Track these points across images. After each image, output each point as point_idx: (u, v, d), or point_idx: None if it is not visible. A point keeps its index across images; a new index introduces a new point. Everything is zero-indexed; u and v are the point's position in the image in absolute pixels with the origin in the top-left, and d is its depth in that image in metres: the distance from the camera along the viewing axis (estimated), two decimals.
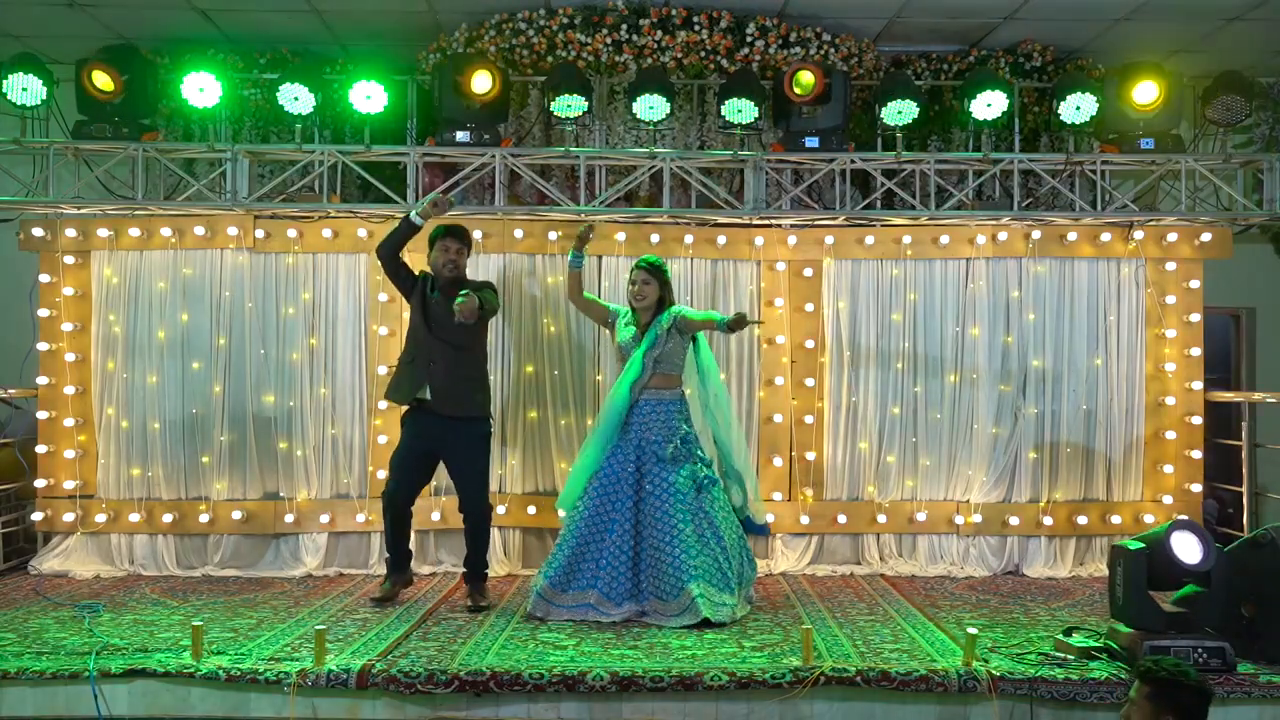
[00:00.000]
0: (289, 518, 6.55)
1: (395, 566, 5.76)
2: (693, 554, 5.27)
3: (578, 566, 5.38)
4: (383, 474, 5.98)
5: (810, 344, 6.74)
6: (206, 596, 5.87)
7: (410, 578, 5.90)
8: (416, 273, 5.71)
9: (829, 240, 6.72)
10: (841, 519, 6.67)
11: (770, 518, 6.24)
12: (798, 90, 6.30)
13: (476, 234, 6.58)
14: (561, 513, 5.75)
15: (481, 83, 6.27)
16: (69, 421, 6.57)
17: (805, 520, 6.67)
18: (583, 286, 5.81)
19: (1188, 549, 4.45)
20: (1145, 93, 6.39)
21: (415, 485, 5.72)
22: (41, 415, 6.59)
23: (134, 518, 6.53)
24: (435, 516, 6.47)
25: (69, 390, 6.57)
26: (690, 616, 5.15)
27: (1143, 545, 4.54)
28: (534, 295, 6.67)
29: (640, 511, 5.37)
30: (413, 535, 5.93)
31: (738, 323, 5.24)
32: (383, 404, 6.31)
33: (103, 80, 6.25)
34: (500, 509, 6.57)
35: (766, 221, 6.68)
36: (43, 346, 6.61)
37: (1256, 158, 6.68)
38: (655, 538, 5.31)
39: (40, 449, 6.56)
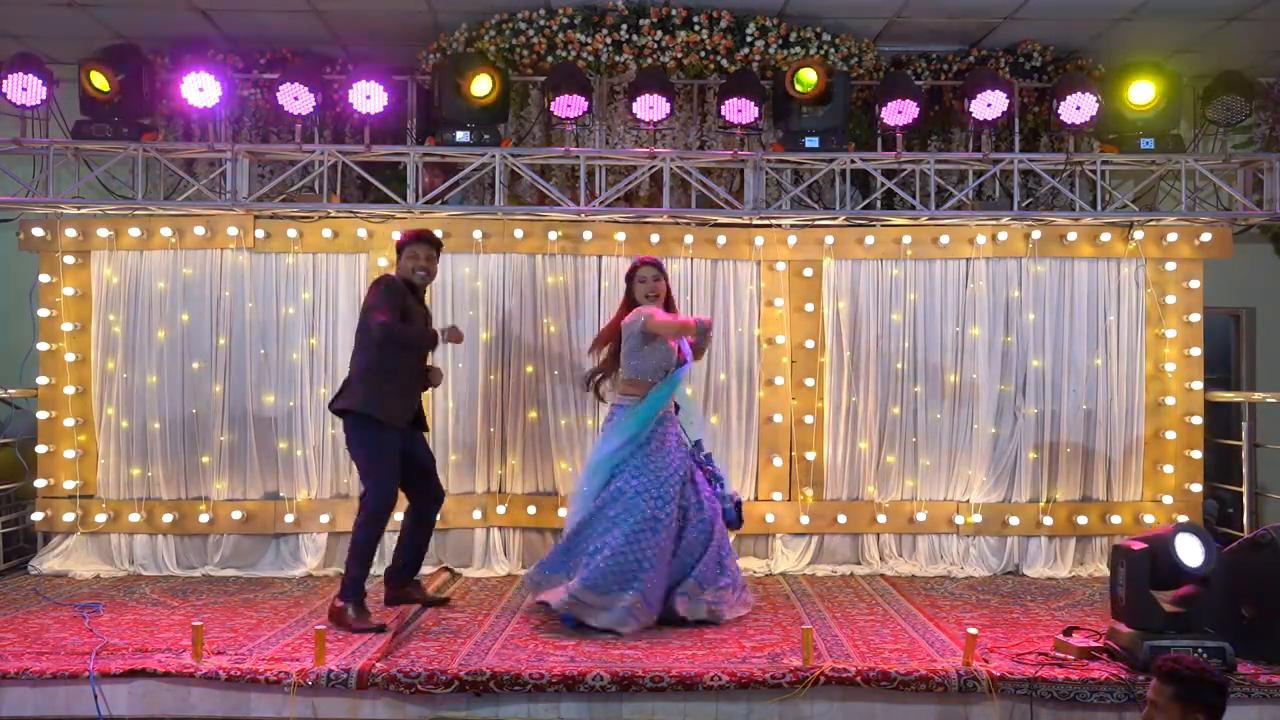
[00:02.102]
0: (289, 518, 6.55)
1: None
2: (694, 555, 5.25)
3: (625, 566, 5.08)
4: None
5: (810, 344, 6.74)
6: (206, 596, 5.87)
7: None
8: (402, 299, 5.54)
9: (829, 240, 6.73)
10: (841, 519, 6.67)
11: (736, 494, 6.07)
12: (799, 88, 6.29)
13: (476, 234, 6.61)
14: (562, 512, 5.69)
15: (481, 85, 6.27)
16: (69, 421, 6.57)
17: (805, 520, 6.67)
18: None
19: (1190, 552, 4.44)
20: (1141, 93, 6.41)
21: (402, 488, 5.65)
22: (41, 415, 6.59)
23: (134, 518, 6.53)
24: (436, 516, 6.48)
25: (69, 390, 6.57)
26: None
27: (1145, 545, 4.53)
28: (534, 295, 6.66)
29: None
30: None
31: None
32: None
33: (100, 80, 6.25)
34: (500, 509, 6.59)
35: (766, 221, 6.68)
36: (43, 346, 6.62)
37: (1256, 158, 6.68)
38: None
39: (40, 449, 6.56)
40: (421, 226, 5.97)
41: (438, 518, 5.84)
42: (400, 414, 5.39)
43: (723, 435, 6.64)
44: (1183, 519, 6.53)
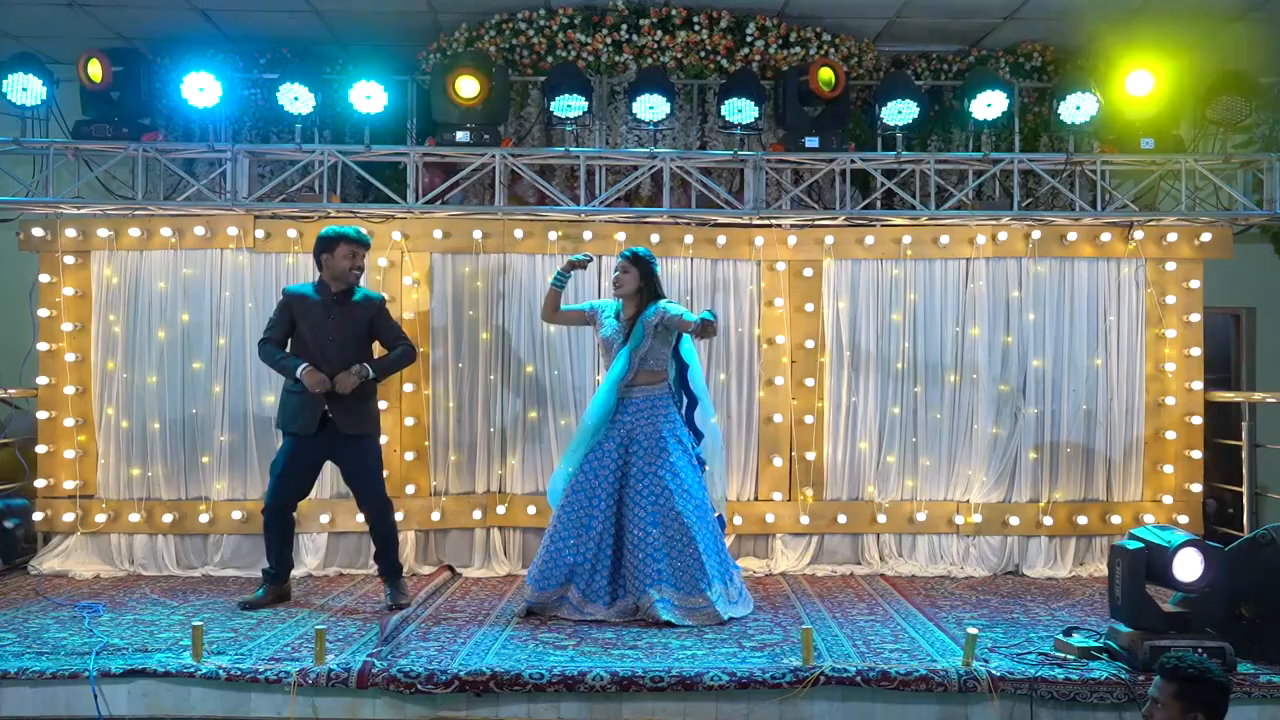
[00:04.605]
0: None
1: (276, 575, 5.63)
2: (659, 558, 5.27)
3: (557, 564, 5.37)
4: (385, 473, 5.95)
5: (810, 344, 6.74)
6: (206, 596, 5.87)
7: (288, 590, 5.69)
8: (290, 314, 5.55)
9: (829, 240, 6.73)
10: (841, 519, 6.67)
11: (737, 520, 6.18)
12: (823, 86, 6.27)
13: (476, 234, 6.61)
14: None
15: (468, 87, 6.26)
16: (69, 421, 6.57)
17: (805, 520, 6.67)
18: (558, 305, 5.67)
19: (1189, 568, 4.43)
20: (1139, 84, 6.35)
21: (298, 496, 5.64)
22: (41, 415, 6.58)
23: (134, 518, 6.53)
24: (435, 516, 6.50)
25: (69, 390, 6.56)
26: (651, 619, 5.20)
27: (1141, 546, 4.53)
28: (534, 295, 6.66)
29: (620, 510, 5.38)
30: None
31: (702, 331, 5.21)
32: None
33: (95, 70, 6.22)
34: (500, 509, 6.59)
35: (766, 221, 6.68)
36: (43, 346, 6.61)
37: (1256, 158, 6.68)
38: (629, 539, 5.34)
39: (40, 449, 6.56)
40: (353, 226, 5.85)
41: (399, 517, 5.90)
42: (302, 421, 5.44)
43: (723, 435, 6.63)
44: (1183, 519, 6.56)
